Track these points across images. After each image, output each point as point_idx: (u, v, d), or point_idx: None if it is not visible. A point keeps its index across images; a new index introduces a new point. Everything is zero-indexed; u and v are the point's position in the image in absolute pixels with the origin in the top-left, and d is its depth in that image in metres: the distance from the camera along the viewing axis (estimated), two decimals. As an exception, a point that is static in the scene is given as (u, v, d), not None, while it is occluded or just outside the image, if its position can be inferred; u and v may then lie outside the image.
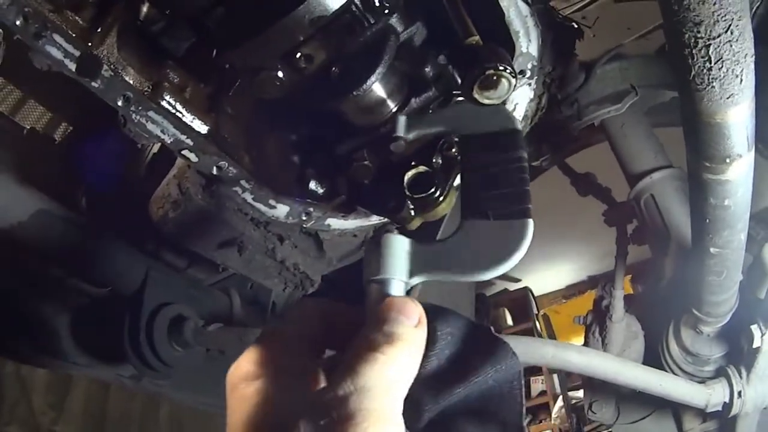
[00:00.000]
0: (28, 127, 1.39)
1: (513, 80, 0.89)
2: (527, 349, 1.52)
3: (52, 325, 1.29)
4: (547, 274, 7.92)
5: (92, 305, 1.35)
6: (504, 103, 1.11)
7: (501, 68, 0.87)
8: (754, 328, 1.47)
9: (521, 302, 7.43)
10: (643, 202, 1.75)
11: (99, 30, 0.94)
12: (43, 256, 1.26)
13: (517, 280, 7.69)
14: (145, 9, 0.98)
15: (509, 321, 7.26)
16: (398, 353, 0.59)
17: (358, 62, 0.92)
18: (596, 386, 2.07)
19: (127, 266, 1.31)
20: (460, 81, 0.94)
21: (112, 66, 0.94)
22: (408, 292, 0.67)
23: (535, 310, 7.41)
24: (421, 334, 0.63)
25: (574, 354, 1.54)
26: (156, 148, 1.37)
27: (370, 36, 0.91)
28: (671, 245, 1.71)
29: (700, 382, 1.68)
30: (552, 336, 7.61)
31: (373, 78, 0.91)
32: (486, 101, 0.92)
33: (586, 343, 2.04)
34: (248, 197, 1.16)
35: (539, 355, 1.53)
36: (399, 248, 0.66)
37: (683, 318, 1.72)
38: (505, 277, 7.42)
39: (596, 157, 2.03)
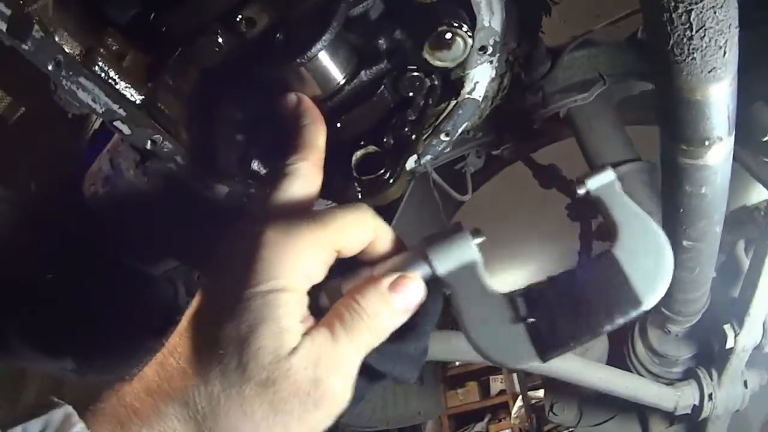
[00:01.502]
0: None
1: (469, 40, 0.83)
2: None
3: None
4: (507, 274, 7.93)
5: (34, 294, 1.26)
6: (462, 79, 1.04)
7: (455, 25, 0.80)
8: (727, 328, 1.41)
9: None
10: (608, 197, 1.69)
11: None
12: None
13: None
14: None
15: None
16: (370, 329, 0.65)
17: (305, 28, 0.85)
18: (557, 387, 2.01)
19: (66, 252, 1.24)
20: (410, 43, 0.89)
21: (43, 26, 0.86)
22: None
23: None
24: (398, 323, 0.68)
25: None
26: (98, 122, 1.27)
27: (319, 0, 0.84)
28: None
29: (667, 384, 1.63)
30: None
31: (319, 45, 0.84)
32: (438, 63, 0.85)
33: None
34: (182, 174, 1.08)
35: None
36: (464, 250, 0.69)
37: (650, 317, 1.67)
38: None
39: (559, 151, 1.98)
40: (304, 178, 0.74)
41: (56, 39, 0.88)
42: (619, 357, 1.77)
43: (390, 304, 0.66)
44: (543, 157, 2.01)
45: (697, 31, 0.76)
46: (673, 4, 0.73)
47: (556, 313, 0.68)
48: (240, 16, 0.84)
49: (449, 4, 0.89)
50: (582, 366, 1.57)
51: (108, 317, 1.25)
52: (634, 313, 0.67)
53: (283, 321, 0.61)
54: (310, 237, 0.64)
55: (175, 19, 0.87)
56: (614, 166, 1.56)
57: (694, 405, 1.58)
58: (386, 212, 1.01)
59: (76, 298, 1.21)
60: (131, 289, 1.29)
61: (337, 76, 0.92)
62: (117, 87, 0.95)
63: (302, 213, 0.69)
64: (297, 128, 0.80)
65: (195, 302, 0.66)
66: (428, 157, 1.26)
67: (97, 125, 1.29)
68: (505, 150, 1.65)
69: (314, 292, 0.67)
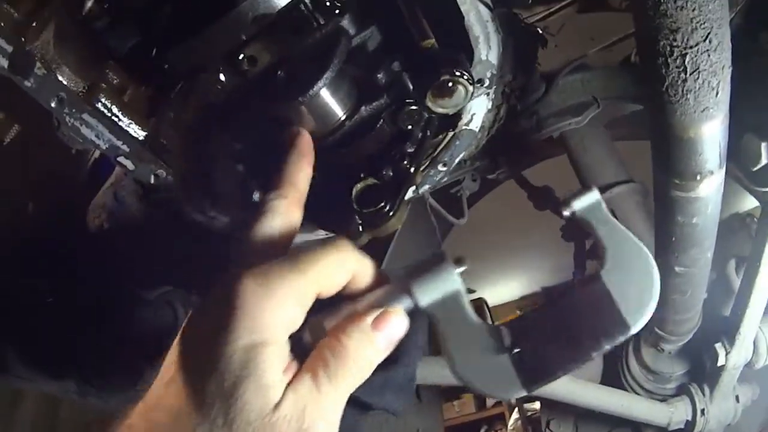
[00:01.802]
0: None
1: (470, 88, 0.84)
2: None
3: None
4: (501, 285, 7.93)
5: (35, 315, 1.26)
6: (459, 112, 1.05)
7: (457, 74, 0.81)
8: (718, 346, 1.43)
9: (477, 313, 7.40)
10: (602, 217, 1.70)
11: (35, 24, 0.86)
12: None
13: (472, 291, 7.69)
14: (89, 3, 0.89)
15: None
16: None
17: (306, 65, 0.85)
18: (554, 403, 2.03)
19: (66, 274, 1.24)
20: (412, 88, 0.89)
21: (46, 64, 0.87)
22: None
23: (489, 321, 7.40)
24: (382, 358, 0.66)
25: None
26: (98, 153, 1.28)
27: (319, 38, 0.84)
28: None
29: (661, 400, 1.65)
30: (506, 348, 7.61)
31: (320, 83, 0.84)
32: (440, 110, 0.86)
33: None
34: (188, 207, 1.08)
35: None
36: (447, 281, 0.68)
37: (643, 336, 1.69)
38: (459, 287, 7.40)
39: (552, 170, 1.99)
40: (282, 216, 0.72)
41: (58, 76, 0.89)
42: (613, 374, 1.79)
43: (374, 343, 0.65)
44: (537, 172, 2.03)
45: (691, 74, 0.78)
46: (668, 48, 0.75)
47: (541, 342, 0.67)
48: (242, 55, 0.83)
49: (449, 46, 0.90)
50: (577, 386, 1.59)
51: (108, 340, 1.25)
52: (621, 338, 0.65)
53: (266, 377, 0.60)
54: (289, 285, 0.62)
55: (178, 56, 0.86)
56: (608, 187, 1.61)
57: (687, 420, 1.61)
58: (383, 237, 1.02)
59: (77, 319, 1.21)
60: (131, 313, 1.29)
61: (338, 112, 0.92)
62: (120, 123, 0.96)
63: (281, 254, 0.67)
64: (283, 163, 0.79)
65: (177, 350, 0.64)
66: (426, 187, 1.27)
67: (97, 154, 1.30)
68: (501, 174, 1.66)
69: (296, 332, 0.66)
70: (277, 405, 0.60)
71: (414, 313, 0.69)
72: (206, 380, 0.60)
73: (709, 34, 0.74)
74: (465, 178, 1.71)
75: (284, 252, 0.69)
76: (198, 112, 1.01)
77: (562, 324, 0.67)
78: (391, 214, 0.93)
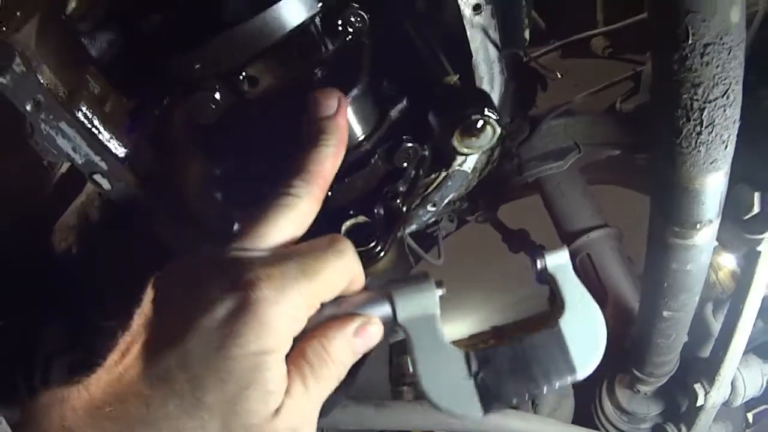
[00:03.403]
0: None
1: (498, 129, 0.82)
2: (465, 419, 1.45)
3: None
4: (451, 323, 7.91)
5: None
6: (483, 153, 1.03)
7: (488, 114, 0.80)
8: (697, 387, 1.46)
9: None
10: (578, 261, 1.73)
11: (18, 14, 0.80)
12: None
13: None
14: (73, 3, 0.83)
15: (411, 369, 7.17)
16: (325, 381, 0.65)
17: (331, 76, 0.83)
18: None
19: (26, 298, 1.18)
20: (437, 125, 0.86)
21: (26, 60, 0.79)
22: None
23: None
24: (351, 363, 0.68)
25: (516, 421, 1.49)
26: (66, 166, 1.21)
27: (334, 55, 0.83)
28: (608, 305, 1.69)
29: (636, 440, 1.67)
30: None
31: (354, 92, 0.84)
32: (465, 150, 0.85)
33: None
34: (164, 233, 1.04)
35: (478, 425, 1.48)
36: (427, 300, 0.72)
37: (618, 377, 1.70)
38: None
39: (522, 211, 2.01)
40: (301, 213, 0.69)
41: (38, 76, 0.81)
42: (586, 415, 1.80)
43: (354, 350, 0.67)
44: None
45: (706, 127, 0.80)
46: (689, 102, 0.77)
47: (503, 371, 0.73)
48: (243, 74, 0.80)
49: (470, 87, 0.89)
50: (553, 428, 1.59)
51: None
52: (569, 380, 0.74)
53: (270, 384, 0.60)
54: (300, 293, 0.62)
55: (173, 72, 0.81)
56: (584, 231, 1.63)
57: (664, 460, 1.62)
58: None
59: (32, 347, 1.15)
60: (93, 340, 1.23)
61: (358, 131, 0.89)
62: (100, 137, 0.89)
63: (295, 257, 0.64)
64: (315, 143, 0.73)
65: (149, 347, 0.60)
66: (413, 227, 1.26)
67: (64, 169, 1.22)
68: (479, 216, 1.67)
69: None
70: (277, 410, 0.60)
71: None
72: (205, 381, 0.58)
73: (727, 89, 0.76)
74: (443, 218, 1.71)
75: (295, 251, 0.66)
76: (183, 130, 0.94)
77: (522, 359, 0.74)
78: (381, 254, 0.92)
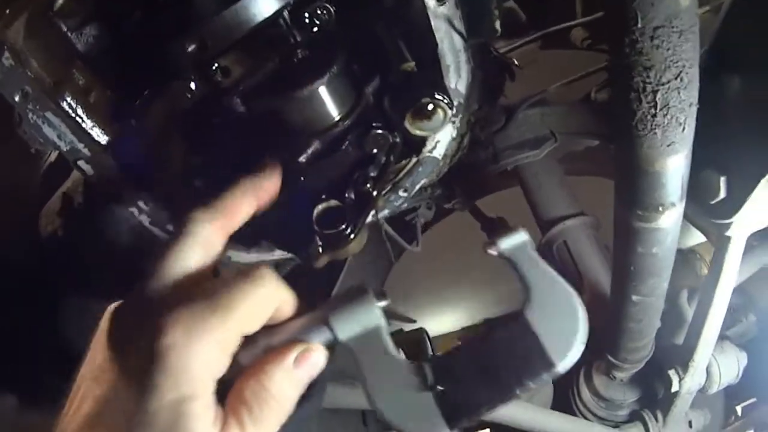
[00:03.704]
0: None
1: (449, 111, 0.85)
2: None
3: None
4: (443, 315, 7.95)
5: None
6: (424, 138, 1.06)
7: (438, 97, 0.82)
8: (671, 373, 1.47)
9: (416, 343, 7.40)
10: (555, 249, 1.75)
11: (8, 11, 0.85)
12: None
13: (413, 321, 7.69)
14: (60, 0, 0.87)
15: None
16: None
17: (306, 61, 0.86)
18: (504, 430, 2.04)
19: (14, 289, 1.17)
20: (390, 108, 0.89)
21: (15, 54, 0.85)
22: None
23: (430, 351, 7.40)
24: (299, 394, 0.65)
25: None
26: (54, 156, 1.26)
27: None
28: (584, 292, 1.71)
29: (614, 426, 1.69)
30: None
31: (327, 75, 0.85)
32: (417, 132, 0.87)
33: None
34: (145, 220, 1.05)
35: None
36: (368, 315, 0.67)
37: (595, 364, 1.72)
38: (399, 317, 7.42)
39: (507, 201, 2.03)
40: (204, 242, 0.67)
41: (26, 69, 0.86)
42: (563, 401, 1.82)
43: (296, 382, 0.64)
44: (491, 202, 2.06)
45: (660, 109, 0.82)
46: (642, 84, 0.78)
47: (464, 379, 0.67)
48: (215, 65, 0.83)
49: (426, 70, 0.91)
50: (530, 412, 1.61)
51: (52, 357, 1.20)
52: (546, 376, 0.66)
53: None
54: (213, 333, 0.58)
55: (149, 62, 0.84)
56: (561, 219, 1.65)
57: (641, 446, 1.64)
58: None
59: (20, 336, 1.16)
60: (79, 326, 1.24)
61: (334, 112, 0.91)
62: (84, 125, 0.93)
63: (203, 294, 0.61)
64: (231, 188, 0.74)
65: (90, 405, 0.60)
66: (385, 212, 1.28)
67: (53, 158, 1.26)
68: (456, 203, 1.68)
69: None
70: None
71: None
72: None
73: (680, 72, 0.77)
74: (420, 206, 1.73)
75: (203, 287, 0.63)
76: (162, 120, 0.97)
77: (486, 362, 0.67)
78: (352, 236, 0.93)
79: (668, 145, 0.87)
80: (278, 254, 1.19)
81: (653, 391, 1.65)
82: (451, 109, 0.83)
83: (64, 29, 0.88)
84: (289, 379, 0.63)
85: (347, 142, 0.94)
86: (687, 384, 1.48)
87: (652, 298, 1.25)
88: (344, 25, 0.90)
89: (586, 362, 1.75)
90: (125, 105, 0.97)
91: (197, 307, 0.59)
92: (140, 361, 0.57)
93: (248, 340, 0.64)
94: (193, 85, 0.84)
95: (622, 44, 0.75)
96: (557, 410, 1.75)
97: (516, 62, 1.13)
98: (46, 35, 0.88)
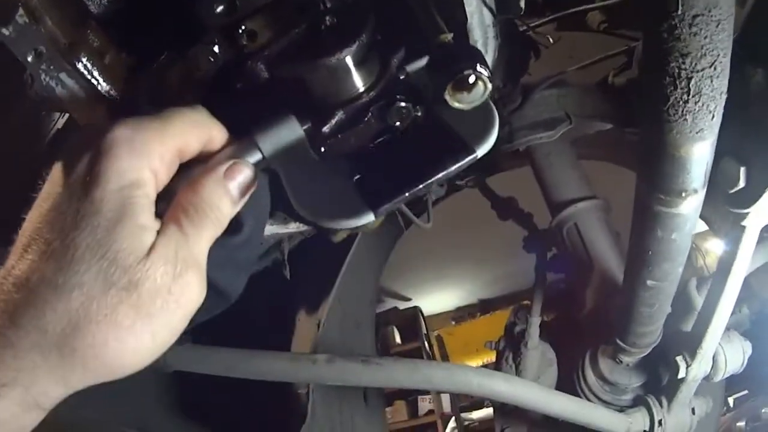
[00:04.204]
0: None
1: (489, 84, 0.83)
2: (450, 377, 1.48)
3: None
4: (437, 294, 7.99)
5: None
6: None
7: (480, 70, 0.80)
8: (679, 359, 1.48)
9: (411, 321, 7.43)
10: (565, 231, 1.75)
11: None
12: None
13: (408, 299, 7.73)
14: None
15: (398, 339, 7.22)
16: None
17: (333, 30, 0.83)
18: (508, 412, 2.05)
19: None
20: (430, 80, 0.85)
21: (29, 11, 0.82)
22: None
23: (424, 330, 7.44)
24: (235, 211, 0.68)
25: (500, 382, 1.51)
26: (62, 122, 1.20)
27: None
28: (594, 276, 1.71)
29: (618, 410, 1.69)
30: (444, 357, 7.66)
31: (355, 43, 0.82)
32: (456, 104, 0.86)
33: (497, 369, 2.02)
34: None
35: (463, 384, 1.49)
36: (290, 130, 0.73)
37: (601, 348, 1.73)
38: (395, 294, 7.45)
39: (514, 180, 2.03)
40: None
41: (39, 27, 0.83)
42: (568, 384, 1.82)
43: (228, 191, 0.66)
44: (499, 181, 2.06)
45: (692, 96, 0.81)
46: (677, 70, 0.78)
47: (385, 168, 0.72)
48: (242, 28, 0.81)
49: (464, 44, 0.90)
50: (536, 392, 1.60)
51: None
52: (466, 160, 0.72)
53: (141, 217, 0.59)
54: (157, 132, 0.63)
55: (170, 23, 0.83)
56: (572, 201, 1.65)
57: (645, 430, 1.64)
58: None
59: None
60: None
61: (359, 83, 0.88)
62: (99, 88, 0.90)
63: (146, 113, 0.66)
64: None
65: (37, 211, 0.61)
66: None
67: (60, 124, 1.23)
68: (468, 181, 1.68)
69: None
70: (151, 248, 0.59)
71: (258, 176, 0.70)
72: (75, 233, 0.57)
73: (715, 61, 0.77)
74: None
75: None
76: (180, 85, 0.93)
77: (404, 152, 0.74)
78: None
79: (697, 132, 0.87)
80: (293, 227, 1.19)
81: (658, 377, 1.66)
82: (492, 82, 0.82)
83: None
84: (221, 188, 0.65)
85: (370, 114, 0.94)
86: (694, 371, 1.49)
87: (666, 282, 1.25)
88: None
89: (591, 346, 1.75)
90: (141, 69, 0.94)
91: (141, 117, 0.64)
92: (83, 165, 0.60)
93: (184, 169, 0.68)
94: (216, 49, 0.82)
95: (660, 29, 0.75)
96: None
97: (549, 38, 1.12)
98: (60, -6, 0.85)
